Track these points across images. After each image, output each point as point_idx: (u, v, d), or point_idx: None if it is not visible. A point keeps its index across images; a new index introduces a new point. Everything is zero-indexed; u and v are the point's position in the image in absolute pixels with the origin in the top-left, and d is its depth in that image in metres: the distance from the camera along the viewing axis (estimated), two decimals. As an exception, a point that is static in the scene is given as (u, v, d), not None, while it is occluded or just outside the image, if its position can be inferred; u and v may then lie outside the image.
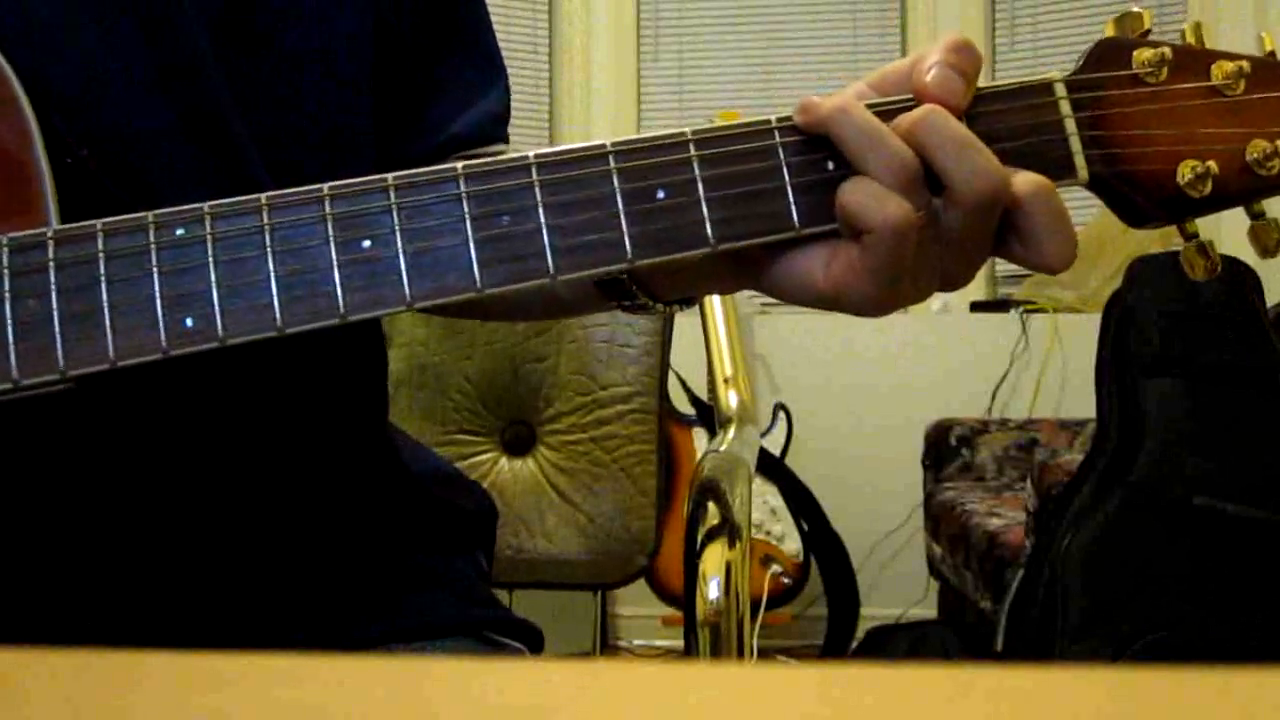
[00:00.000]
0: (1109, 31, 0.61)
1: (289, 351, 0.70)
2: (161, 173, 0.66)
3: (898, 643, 2.67)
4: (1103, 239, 2.80)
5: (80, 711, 0.29)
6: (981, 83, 0.59)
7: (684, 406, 2.90)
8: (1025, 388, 3.17)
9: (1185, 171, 0.58)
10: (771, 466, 2.93)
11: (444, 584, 0.80)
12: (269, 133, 0.70)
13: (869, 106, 0.57)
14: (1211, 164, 0.58)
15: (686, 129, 0.57)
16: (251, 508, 0.71)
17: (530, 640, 0.83)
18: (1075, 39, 3.35)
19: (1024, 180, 0.56)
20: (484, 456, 1.25)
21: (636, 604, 2.98)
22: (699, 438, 2.90)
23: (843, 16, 3.50)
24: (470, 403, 1.25)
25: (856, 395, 3.18)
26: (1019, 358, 3.17)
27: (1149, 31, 0.61)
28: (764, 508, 2.92)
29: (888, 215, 0.54)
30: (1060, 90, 0.59)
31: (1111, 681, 0.31)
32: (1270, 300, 1.96)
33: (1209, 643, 1.84)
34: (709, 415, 2.87)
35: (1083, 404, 2.39)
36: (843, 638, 2.92)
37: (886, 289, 0.57)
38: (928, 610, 3.00)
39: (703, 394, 2.90)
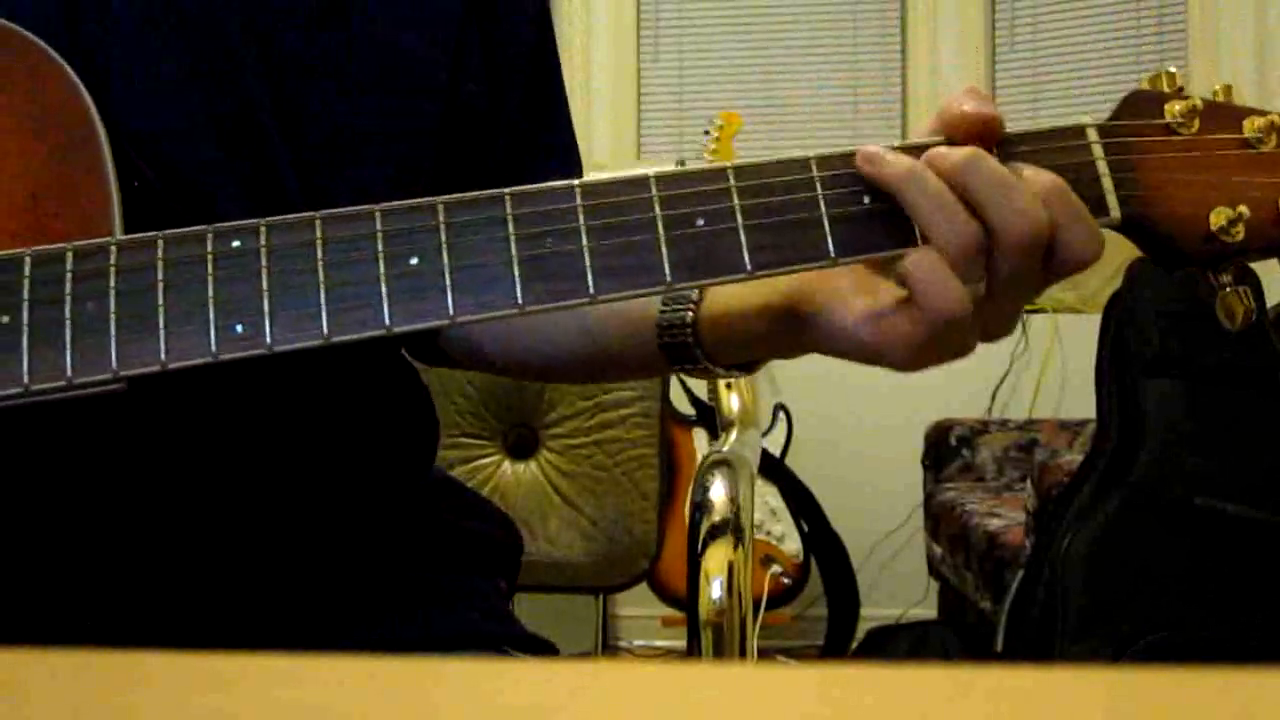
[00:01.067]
0: (1143, 86, 0.63)
1: (339, 390, 0.73)
2: (202, 180, 0.69)
3: (898, 643, 2.67)
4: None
5: (80, 711, 0.30)
6: (982, 89, 0.60)
7: (684, 407, 2.90)
8: (1025, 388, 3.17)
9: (1218, 218, 0.59)
10: (771, 467, 2.93)
11: (461, 599, 0.82)
12: (293, 134, 0.72)
13: (898, 148, 0.59)
14: (1243, 209, 0.59)
15: (727, 162, 0.59)
16: (277, 525, 0.72)
17: (545, 656, 0.84)
18: (1075, 39, 3.35)
19: (1042, 183, 0.57)
20: (487, 460, 1.25)
21: (637, 604, 2.98)
22: (700, 438, 2.90)
23: (843, 16, 3.50)
24: (473, 406, 1.25)
25: (856, 395, 3.18)
26: (1019, 358, 3.17)
27: (1182, 89, 0.62)
28: (764, 508, 2.92)
29: (947, 304, 0.56)
30: (1092, 134, 0.60)
31: (1111, 681, 0.31)
32: (1270, 300, 1.96)
33: (1209, 643, 1.83)
34: (710, 416, 2.87)
35: (1083, 404, 2.39)
36: (843, 638, 2.92)
37: (927, 354, 0.59)
38: (928, 610, 3.00)
39: (703, 394, 2.91)
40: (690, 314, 0.68)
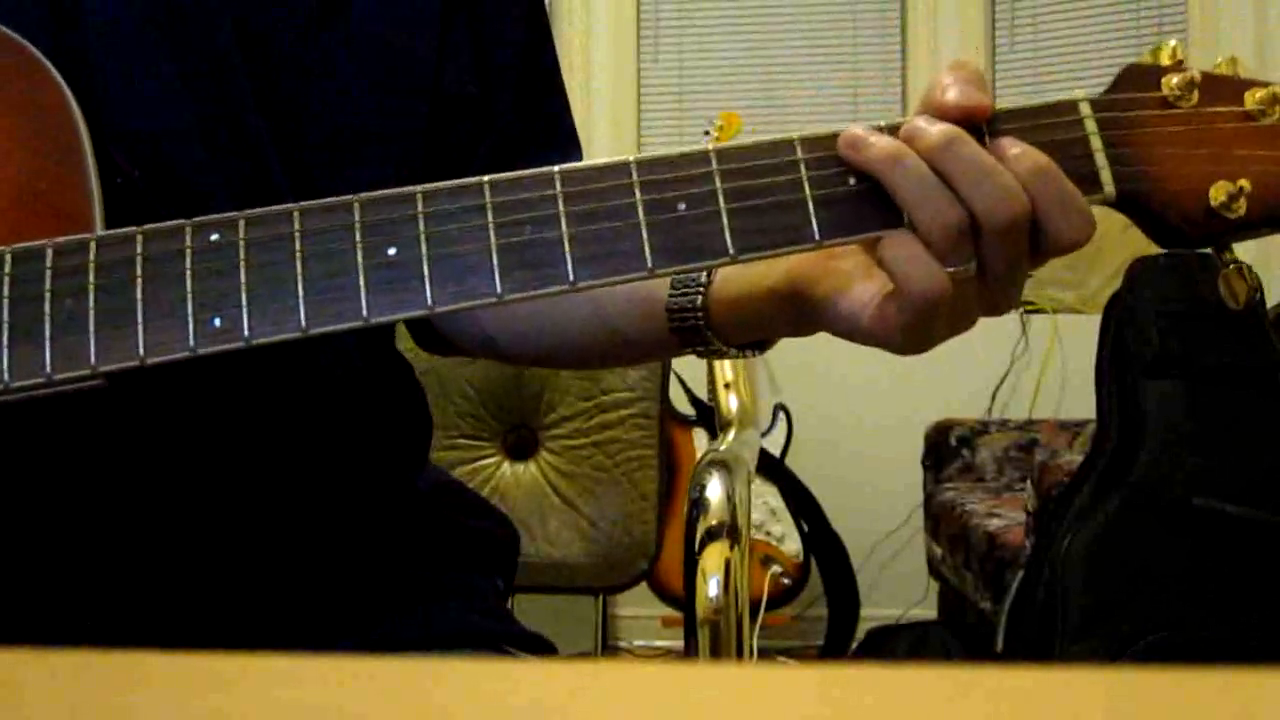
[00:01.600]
0: (1142, 60, 0.61)
1: (331, 386, 0.73)
2: (194, 181, 0.69)
3: (898, 643, 2.67)
4: (1103, 239, 2.78)
5: (80, 711, 0.30)
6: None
7: (684, 407, 2.90)
8: (1025, 388, 3.17)
9: (1219, 193, 0.58)
10: (771, 467, 2.93)
11: (459, 598, 0.82)
12: (285, 135, 0.71)
13: (882, 129, 0.58)
14: (1245, 183, 0.58)
15: (710, 145, 0.59)
16: (272, 524, 0.72)
17: (544, 654, 0.84)
18: (1075, 39, 3.35)
19: (1027, 166, 0.57)
20: (486, 461, 1.25)
21: (636, 604, 2.98)
22: (699, 438, 2.90)
23: (843, 16, 3.50)
24: (473, 407, 1.25)
25: (856, 395, 3.18)
26: (1019, 358, 3.16)
27: (1181, 62, 0.60)
28: (764, 508, 2.92)
29: (925, 285, 0.56)
30: (1085, 109, 0.59)
31: (1111, 681, 0.31)
32: (1270, 300, 1.96)
33: (1209, 643, 1.83)
34: (709, 416, 2.87)
35: (1083, 404, 2.39)
36: (843, 638, 2.92)
37: (922, 336, 0.59)
38: (928, 610, 3.00)
39: (703, 394, 2.91)
40: (700, 298, 0.68)
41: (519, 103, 0.83)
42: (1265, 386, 1.93)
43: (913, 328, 0.58)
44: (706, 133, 3.09)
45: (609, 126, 3.50)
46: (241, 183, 0.69)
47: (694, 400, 2.91)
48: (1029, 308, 3.18)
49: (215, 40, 0.70)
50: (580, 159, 0.86)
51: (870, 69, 3.48)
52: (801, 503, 2.93)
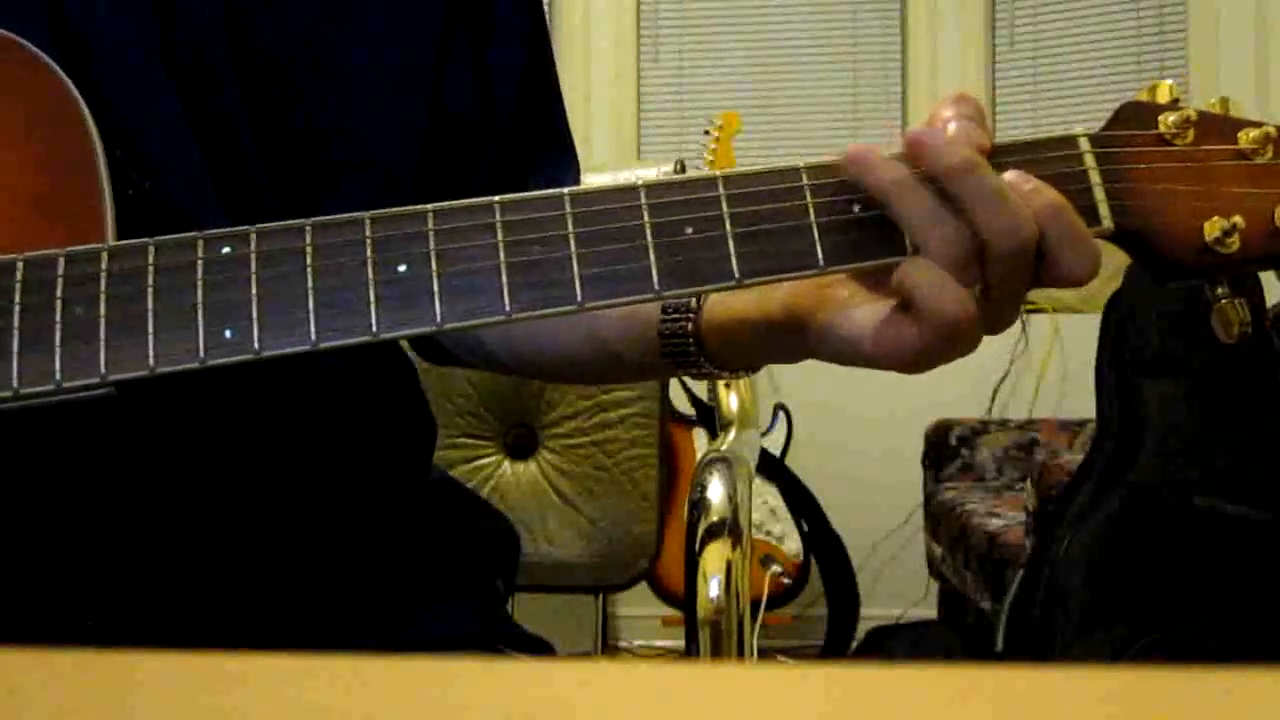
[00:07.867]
0: (1139, 97, 0.62)
1: (336, 392, 0.74)
2: (183, 189, 0.69)
3: (898, 643, 2.67)
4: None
5: (80, 711, 0.30)
6: (982, 88, 0.60)
7: (684, 407, 2.90)
8: (1025, 388, 3.17)
9: (1212, 229, 0.59)
10: (771, 466, 2.93)
11: (461, 601, 0.82)
12: (271, 144, 0.72)
13: (893, 158, 0.58)
14: (1238, 219, 0.59)
15: (717, 172, 0.59)
16: (274, 527, 0.73)
17: (544, 655, 0.84)
18: (1075, 39, 3.35)
19: (1041, 203, 0.57)
20: (487, 460, 1.25)
21: (637, 604, 2.98)
22: (699, 438, 2.90)
23: (843, 16, 3.50)
24: (473, 406, 1.25)
25: (856, 395, 3.18)
26: (1019, 358, 3.17)
27: (1177, 101, 0.62)
28: (764, 508, 2.92)
29: (951, 309, 0.56)
30: (1084, 144, 0.60)
31: (1111, 681, 0.31)
32: (1270, 300, 1.96)
33: (1209, 643, 1.83)
34: (709, 416, 2.87)
35: (1083, 404, 2.39)
36: (843, 638, 2.92)
37: (934, 358, 0.59)
38: (928, 610, 3.00)
39: (703, 394, 2.91)
40: (690, 324, 0.68)
41: (519, 113, 0.83)
42: (1265, 386, 1.93)
43: (927, 350, 0.58)
44: (706, 132, 3.09)
45: (609, 127, 3.50)
46: (228, 192, 0.69)
47: (694, 400, 2.91)
48: (1029, 307, 3.18)
49: (205, 45, 0.70)
50: (576, 168, 0.86)
51: (870, 69, 3.48)
52: (801, 502, 2.94)
